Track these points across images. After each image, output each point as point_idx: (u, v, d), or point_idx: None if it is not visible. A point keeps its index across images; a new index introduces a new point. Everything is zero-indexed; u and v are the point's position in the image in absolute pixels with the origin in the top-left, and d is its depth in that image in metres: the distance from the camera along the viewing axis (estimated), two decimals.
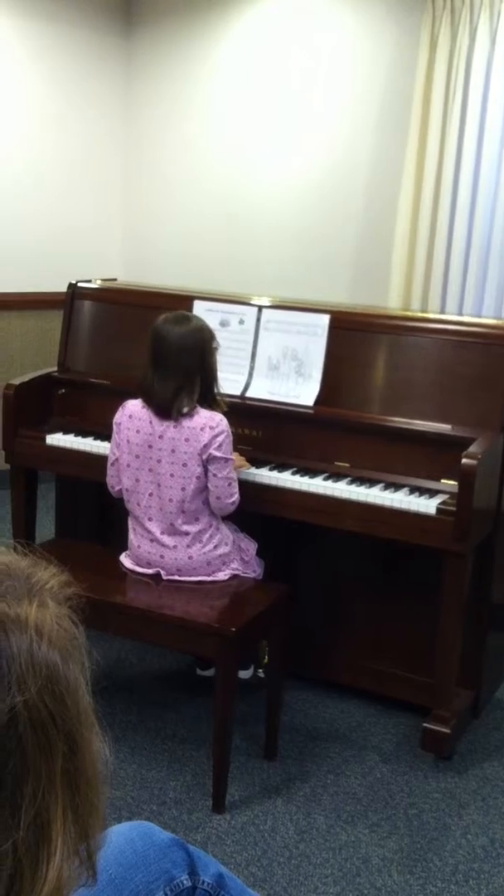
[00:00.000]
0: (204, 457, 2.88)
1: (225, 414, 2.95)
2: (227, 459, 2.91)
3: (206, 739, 3.02)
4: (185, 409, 2.89)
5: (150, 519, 2.97)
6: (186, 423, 2.89)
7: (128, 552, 3.10)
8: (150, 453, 2.93)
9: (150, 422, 2.93)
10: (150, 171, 5.80)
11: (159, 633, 2.86)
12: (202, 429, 2.88)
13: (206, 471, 2.90)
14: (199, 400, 2.93)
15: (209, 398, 2.96)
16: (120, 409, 3.02)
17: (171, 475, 2.91)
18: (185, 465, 2.90)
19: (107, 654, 3.59)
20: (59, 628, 0.81)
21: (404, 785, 2.92)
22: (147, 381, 2.94)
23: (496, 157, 4.41)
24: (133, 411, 2.98)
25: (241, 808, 2.76)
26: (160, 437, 2.91)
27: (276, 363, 3.35)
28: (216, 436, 2.88)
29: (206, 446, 2.87)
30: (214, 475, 2.90)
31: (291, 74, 5.11)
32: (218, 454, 2.88)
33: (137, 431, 2.95)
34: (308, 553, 3.44)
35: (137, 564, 3.04)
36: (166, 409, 2.89)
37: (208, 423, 2.88)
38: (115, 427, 3.03)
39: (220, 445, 2.88)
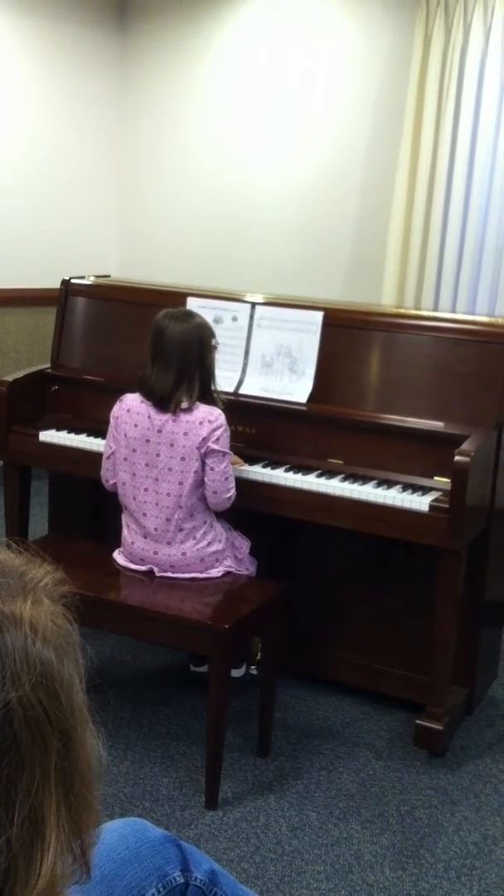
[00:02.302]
0: (202, 450, 2.89)
1: (222, 410, 2.96)
2: (224, 453, 2.91)
3: (200, 736, 3.03)
4: (185, 404, 2.90)
5: (144, 514, 2.98)
6: (185, 417, 2.90)
7: (121, 549, 3.10)
8: (148, 447, 2.94)
9: (149, 416, 2.93)
10: (145, 168, 5.80)
11: (153, 629, 2.86)
12: (201, 423, 2.89)
13: (203, 465, 2.91)
14: (197, 396, 2.94)
15: (207, 395, 2.97)
16: (118, 402, 3.03)
17: (170, 469, 2.92)
18: (183, 458, 2.90)
19: (100, 651, 3.59)
20: (53, 625, 0.82)
21: (397, 781, 2.93)
22: (147, 374, 2.95)
23: (489, 154, 4.41)
24: (131, 405, 2.98)
25: (234, 805, 2.77)
26: (159, 430, 2.91)
27: (270, 360, 3.36)
28: (214, 429, 2.89)
29: (205, 440, 2.88)
30: (212, 468, 2.90)
31: (286, 71, 5.11)
32: (216, 447, 2.89)
33: (135, 425, 2.95)
34: (302, 550, 3.45)
35: (131, 561, 3.05)
36: (165, 402, 2.90)
37: (207, 417, 2.89)
38: (112, 420, 3.03)
39: (218, 439, 2.89)
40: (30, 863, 0.75)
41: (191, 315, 3.02)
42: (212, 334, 3.01)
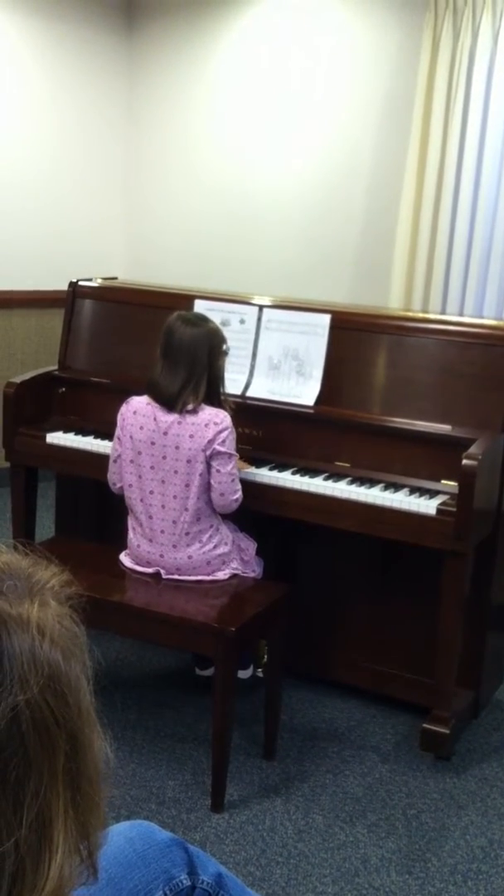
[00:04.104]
0: (208, 452, 2.89)
1: (230, 414, 2.96)
2: (230, 455, 2.91)
3: (206, 738, 3.02)
4: (191, 406, 2.90)
5: (150, 517, 2.98)
6: (191, 419, 2.90)
7: (127, 551, 3.10)
8: (154, 450, 2.93)
9: (155, 418, 2.93)
10: (151, 170, 5.80)
11: (159, 632, 2.86)
12: (207, 425, 2.89)
13: (209, 468, 2.91)
14: (204, 400, 2.94)
15: (215, 399, 2.97)
16: (124, 404, 3.03)
17: (176, 472, 2.92)
18: (189, 461, 2.90)
19: (106, 654, 3.59)
20: (60, 627, 0.81)
21: (403, 785, 2.92)
22: (155, 374, 2.95)
23: (498, 156, 4.40)
24: (138, 407, 2.98)
25: (240, 808, 2.76)
26: (165, 433, 2.91)
27: (277, 363, 3.36)
28: (220, 431, 2.89)
29: (211, 442, 2.88)
30: (218, 471, 2.90)
31: (293, 73, 5.10)
32: (222, 449, 2.89)
33: (141, 428, 2.95)
34: (308, 553, 3.44)
35: (137, 563, 3.05)
36: (171, 402, 2.90)
37: (213, 420, 2.89)
38: (118, 422, 3.03)
39: (224, 441, 2.89)
40: (37, 865, 0.75)
41: (204, 320, 3.02)
42: (222, 340, 3.01)
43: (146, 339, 3.37)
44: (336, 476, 3.13)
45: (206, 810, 2.74)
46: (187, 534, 2.95)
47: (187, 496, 2.93)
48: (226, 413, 2.94)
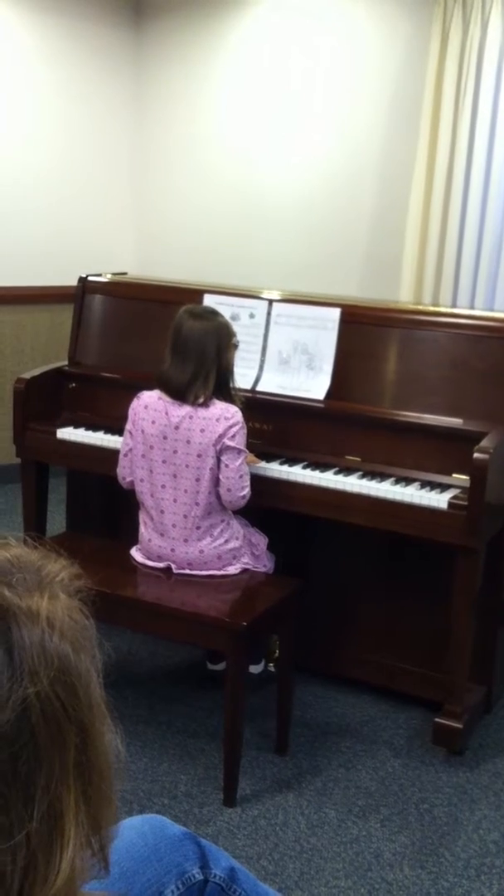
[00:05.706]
0: (218, 447, 2.89)
1: (240, 409, 2.95)
2: (239, 451, 2.91)
3: (217, 733, 3.02)
4: (201, 399, 2.90)
5: (161, 511, 2.98)
6: (202, 413, 2.90)
7: (138, 546, 3.10)
8: (165, 444, 2.93)
9: (166, 412, 2.93)
10: (160, 167, 5.80)
11: (170, 626, 2.86)
12: (217, 419, 2.89)
13: (219, 462, 2.90)
14: (214, 394, 2.93)
15: (225, 392, 2.97)
16: (135, 398, 3.03)
17: (187, 466, 2.92)
18: (199, 455, 2.90)
19: (117, 648, 3.59)
20: (70, 620, 0.81)
21: (416, 780, 2.92)
22: (165, 367, 2.95)
23: None
24: (149, 402, 2.98)
25: (253, 802, 2.76)
26: (176, 427, 2.91)
27: (287, 357, 3.35)
28: (231, 426, 2.89)
29: (221, 436, 2.88)
30: (227, 465, 2.90)
31: (302, 69, 5.09)
32: (231, 444, 2.88)
33: (153, 422, 2.95)
34: (319, 547, 3.44)
35: (148, 558, 3.05)
36: (182, 394, 2.90)
37: (223, 414, 2.89)
38: (129, 417, 3.03)
39: (233, 436, 2.89)
40: (49, 858, 0.75)
41: (212, 313, 3.02)
42: (231, 334, 3.00)
43: (156, 333, 3.37)
44: (346, 470, 3.12)
45: (218, 805, 2.74)
46: (198, 528, 2.95)
47: (198, 490, 2.92)
48: (237, 408, 2.93)
